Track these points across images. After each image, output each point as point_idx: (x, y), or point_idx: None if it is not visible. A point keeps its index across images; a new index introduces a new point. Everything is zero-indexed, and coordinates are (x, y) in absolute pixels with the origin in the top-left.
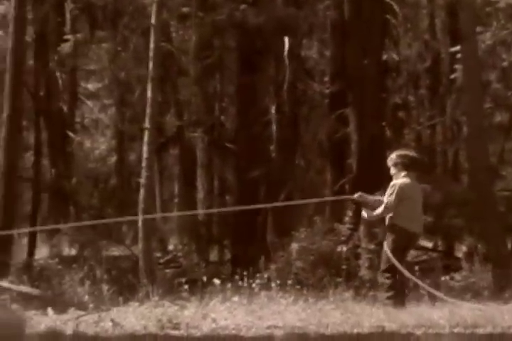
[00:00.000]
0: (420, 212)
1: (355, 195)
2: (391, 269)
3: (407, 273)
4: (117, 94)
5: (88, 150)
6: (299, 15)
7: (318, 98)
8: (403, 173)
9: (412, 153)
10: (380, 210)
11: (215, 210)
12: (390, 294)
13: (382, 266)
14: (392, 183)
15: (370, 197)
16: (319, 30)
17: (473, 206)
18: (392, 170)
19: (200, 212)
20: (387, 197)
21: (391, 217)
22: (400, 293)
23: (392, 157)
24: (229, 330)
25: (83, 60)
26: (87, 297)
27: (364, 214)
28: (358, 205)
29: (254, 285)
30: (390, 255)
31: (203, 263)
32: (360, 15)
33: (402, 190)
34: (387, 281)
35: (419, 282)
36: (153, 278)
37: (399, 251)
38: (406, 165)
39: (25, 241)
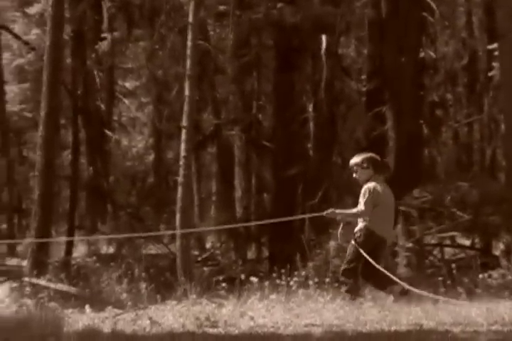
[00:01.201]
0: (392, 216)
1: (326, 212)
2: (353, 270)
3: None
4: (155, 93)
5: (126, 148)
6: (336, 13)
7: (356, 96)
8: (372, 177)
9: (378, 157)
10: (355, 210)
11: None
12: (346, 288)
13: (345, 266)
14: (365, 187)
15: (342, 211)
16: (356, 28)
17: (511, 204)
18: (359, 175)
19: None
20: (361, 201)
21: (364, 220)
22: (355, 287)
23: (358, 161)
24: (267, 328)
25: (120, 58)
26: (124, 295)
27: (339, 233)
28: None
29: (292, 283)
30: (368, 257)
31: (241, 261)
32: (397, 13)
33: (377, 194)
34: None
35: (399, 281)
36: (191, 276)
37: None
38: (374, 168)
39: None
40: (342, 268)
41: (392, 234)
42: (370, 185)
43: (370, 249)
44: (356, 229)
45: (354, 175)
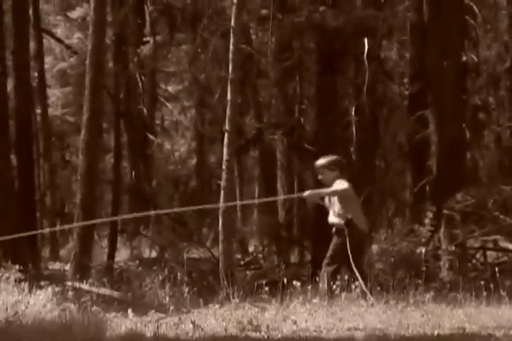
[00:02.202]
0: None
1: (305, 193)
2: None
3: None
4: (197, 96)
5: (168, 152)
6: (379, 17)
7: (398, 99)
8: (337, 179)
9: (343, 159)
10: (334, 188)
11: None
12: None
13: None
14: (337, 182)
15: (321, 190)
16: (399, 32)
17: None
18: (325, 176)
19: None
20: (343, 185)
21: (347, 218)
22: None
23: (325, 163)
24: (309, 332)
25: (163, 62)
26: (167, 299)
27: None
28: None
29: (334, 286)
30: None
31: (284, 264)
32: (439, 17)
33: (352, 191)
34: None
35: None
36: (233, 280)
37: (357, 253)
38: (340, 170)
39: (105, 243)
40: (327, 266)
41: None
42: (342, 181)
43: (357, 245)
44: (337, 224)
45: (319, 177)
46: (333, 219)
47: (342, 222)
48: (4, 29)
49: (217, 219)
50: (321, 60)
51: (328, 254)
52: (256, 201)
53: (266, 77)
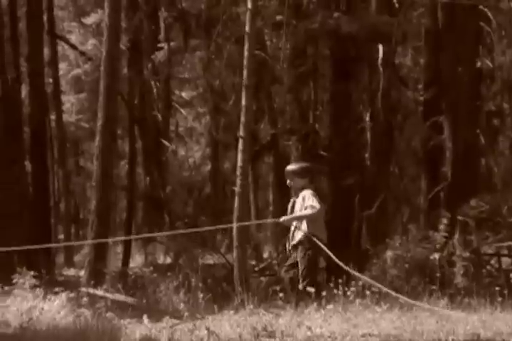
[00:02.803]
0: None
1: (282, 219)
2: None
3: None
4: (211, 102)
5: (182, 158)
6: (393, 23)
7: (412, 105)
8: (306, 186)
9: (314, 166)
10: (309, 211)
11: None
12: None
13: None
14: (306, 193)
15: (297, 215)
16: (413, 38)
17: None
18: (295, 183)
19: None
20: (311, 201)
21: (310, 228)
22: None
23: (296, 169)
24: (324, 338)
25: (177, 68)
26: (182, 305)
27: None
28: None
29: (349, 292)
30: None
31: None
32: (454, 23)
33: (323, 209)
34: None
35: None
36: (248, 286)
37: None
38: (310, 178)
39: (120, 249)
40: (303, 280)
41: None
42: (310, 191)
43: (318, 254)
44: (299, 237)
45: (288, 182)
46: (297, 233)
47: (306, 236)
48: (18, 35)
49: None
50: (336, 66)
51: (302, 271)
52: (234, 225)
53: (280, 83)
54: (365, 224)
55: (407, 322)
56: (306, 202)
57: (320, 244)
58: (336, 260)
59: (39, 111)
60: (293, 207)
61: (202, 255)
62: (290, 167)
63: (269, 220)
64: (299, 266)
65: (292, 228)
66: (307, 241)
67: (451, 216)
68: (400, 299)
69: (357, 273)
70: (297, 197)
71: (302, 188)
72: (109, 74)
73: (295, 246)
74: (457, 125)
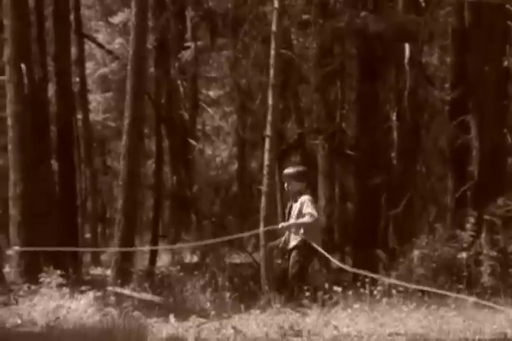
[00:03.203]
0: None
1: (281, 225)
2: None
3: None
4: (238, 102)
5: (209, 157)
6: (420, 22)
7: (439, 105)
8: (303, 190)
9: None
10: (307, 218)
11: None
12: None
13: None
14: (305, 198)
15: (295, 222)
16: (440, 37)
17: None
18: (293, 186)
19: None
20: (310, 209)
21: (305, 234)
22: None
23: (294, 173)
24: (351, 337)
25: (204, 67)
26: (208, 304)
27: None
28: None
29: (375, 292)
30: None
31: (325, 270)
32: (480, 22)
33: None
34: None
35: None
36: (274, 285)
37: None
38: (308, 182)
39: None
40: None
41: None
42: (308, 197)
43: (311, 260)
44: (294, 242)
45: (286, 186)
46: (293, 238)
47: (302, 241)
48: (45, 35)
49: (258, 224)
50: (362, 65)
51: (291, 275)
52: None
53: (307, 82)
54: (391, 223)
55: (433, 321)
56: (304, 209)
57: (318, 248)
58: (338, 262)
59: (66, 111)
60: (290, 211)
61: (229, 254)
62: (288, 170)
63: (268, 228)
64: (290, 269)
65: (287, 232)
66: (302, 246)
67: (478, 215)
68: (426, 298)
69: (360, 271)
70: (294, 201)
71: (299, 192)
72: (136, 74)
73: (290, 251)
74: (484, 124)
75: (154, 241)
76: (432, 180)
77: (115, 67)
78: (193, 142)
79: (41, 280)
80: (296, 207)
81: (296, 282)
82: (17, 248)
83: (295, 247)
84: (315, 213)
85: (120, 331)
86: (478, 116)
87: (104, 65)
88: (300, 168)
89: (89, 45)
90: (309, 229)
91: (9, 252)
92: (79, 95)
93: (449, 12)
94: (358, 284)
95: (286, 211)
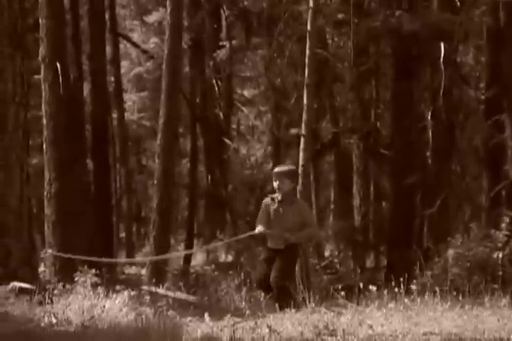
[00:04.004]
0: None
1: (256, 231)
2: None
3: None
4: (273, 101)
5: (244, 156)
6: (455, 21)
7: (474, 104)
8: (294, 190)
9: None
10: (315, 231)
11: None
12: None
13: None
14: (302, 205)
15: (304, 234)
16: (475, 36)
17: None
18: (284, 185)
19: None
20: (314, 219)
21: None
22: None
23: (287, 171)
24: (385, 337)
25: (239, 67)
26: (243, 303)
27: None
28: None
29: (410, 291)
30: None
31: (359, 269)
32: None
33: None
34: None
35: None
36: (309, 284)
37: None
38: (296, 181)
39: (181, 247)
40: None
41: None
42: (304, 203)
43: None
44: (281, 243)
45: (276, 184)
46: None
47: (293, 244)
48: (80, 34)
49: None
50: (397, 65)
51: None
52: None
53: (342, 81)
54: (426, 222)
55: (468, 321)
56: (305, 217)
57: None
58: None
59: (101, 110)
60: (277, 211)
61: (263, 253)
62: (281, 168)
63: (269, 232)
64: (276, 270)
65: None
66: (293, 249)
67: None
68: (461, 297)
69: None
70: (281, 202)
71: (290, 193)
72: (170, 73)
73: (279, 251)
74: None
75: (189, 240)
76: (466, 179)
77: (150, 66)
78: (227, 141)
79: (76, 279)
80: (292, 211)
81: (285, 283)
82: (51, 251)
83: (285, 249)
84: (316, 224)
85: (155, 330)
86: None
87: (139, 64)
88: (292, 167)
89: (124, 45)
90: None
91: (44, 255)
92: (114, 94)
93: (484, 11)
94: (393, 283)
95: (272, 209)
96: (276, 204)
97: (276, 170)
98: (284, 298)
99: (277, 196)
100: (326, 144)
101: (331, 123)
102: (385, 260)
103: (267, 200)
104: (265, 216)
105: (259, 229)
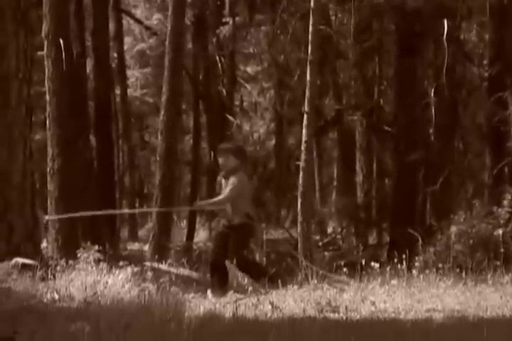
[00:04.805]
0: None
1: (194, 205)
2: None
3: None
4: (276, 78)
5: (247, 133)
6: None
7: (477, 81)
8: (237, 167)
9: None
10: (218, 199)
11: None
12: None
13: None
14: (235, 178)
15: (206, 201)
16: (478, 13)
17: None
18: (228, 162)
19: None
20: (228, 190)
21: (237, 216)
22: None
23: (231, 148)
24: (388, 313)
25: (242, 43)
26: (246, 280)
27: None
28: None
29: (412, 268)
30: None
31: (362, 246)
32: None
33: (244, 186)
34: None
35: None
36: (312, 261)
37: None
38: (242, 159)
39: (184, 224)
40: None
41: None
42: (240, 176)
43: (245, 237)
44: (237, 219)
45: (220, 161)
46: (235, 217)
47: (241, 218)
48: (84, 10)
49: (296, 200)
50: (401, 42)
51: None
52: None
53: (345, 58)
54: (429, 199)
55: (471, 298)
56: (223, 189)
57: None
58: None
59: (104, 86)
60: (221, 187)
61: (266, 230)
62: (226, 145)
63: (184, 208)
64: (230, 245)
65: (229, 210)
66: (243, 225)
67: None
68: (464, 274)
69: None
70: (225, 178)
71: (233, 170)
72: (174, 49)
73: (230, 228)
74: None
75: (192, 217)
76: (469, 156)
77: (153, 42)
78: (230, 118)
79: (79, 255)
80: (226, 185)
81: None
82: (53, 217)
83: (240, 224)
84: (226, 196)
85: (157, 306)
86: None
87: (142, 40)
88: (238, 145)
89: (127, 21)
90: (238, 205)
91: (45, 219)
92: (117, 71)
93: None
94: (395, 260)
95: (217, 186)
96: (222, 181)
97: (221, 146)
98: (219, 275)
99: (223, 173)
100: (329, 121)
101: (334, 100)
102: (387, 237)
103: (219, 178)
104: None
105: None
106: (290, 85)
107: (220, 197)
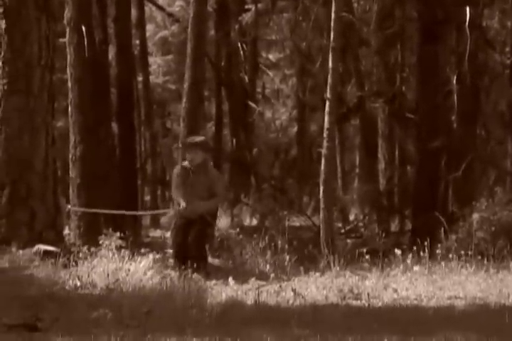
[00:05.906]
0: None
1: (182, 206)
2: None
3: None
4: (298, 64)
5: (269, 120)
6: None
7: (499, 68)
8: (208, 161)
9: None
10: (215, 200)
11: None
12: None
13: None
14: (215, 175)
15: (206, 204)
16: (500, 0)
17: None
18: (196, 157)
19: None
20: (222, 189)
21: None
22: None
23: (200, 142)
24: (410, 300)
25: (264, 30)
26: (268, 267)
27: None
28: None
29: (435, 255)
30: None
31: (384, 233)
32: None
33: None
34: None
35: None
36: (334, 248)
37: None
38: (209, 153)
39: None
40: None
41: None
42: (218, 173)
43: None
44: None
45: (189, 156)
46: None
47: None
48: None
49: (318, 188)
50: (423, 29)
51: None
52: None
53: (367, 45)
54: (451, 186)
55: (493, 285)
56: (216, 187)
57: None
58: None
59: (126, 73)
60: (187, 178)
61: (288, 217)
62: (193, 139)
63: (165, 210)
64: (190, 238)
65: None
66: (204, 219)
67: None
68: (486, 262)
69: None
70: (193, 172)
71: (203, 164)
72: (196, 36)
73: (191, 220)
74: None
75: None
76: (491, 143)
77: (175, 29)
78: (252, 105)
79: (101, 242)
80: (201, 181)
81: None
82: (76, 208)
83: (199, 218)
84: (225, 194)
85: (179, 293)
86: None
87: (164, 27)
88: (204, 138)
89: (149, 8)
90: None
91: (68, 209)
92: (139, 58)
93: None
94: (418, 247)
95: (177, 180)
96: (189, 175)
97: (189, 141)
98: (200, 266)
99: (190, 167)
100: (351, 108)
101: (356, 87)
102: (409, 224)
103: (177, 170)
104: (181, 187)
105: (182, 204)
106: (312, 72)
107: (219, 198)
